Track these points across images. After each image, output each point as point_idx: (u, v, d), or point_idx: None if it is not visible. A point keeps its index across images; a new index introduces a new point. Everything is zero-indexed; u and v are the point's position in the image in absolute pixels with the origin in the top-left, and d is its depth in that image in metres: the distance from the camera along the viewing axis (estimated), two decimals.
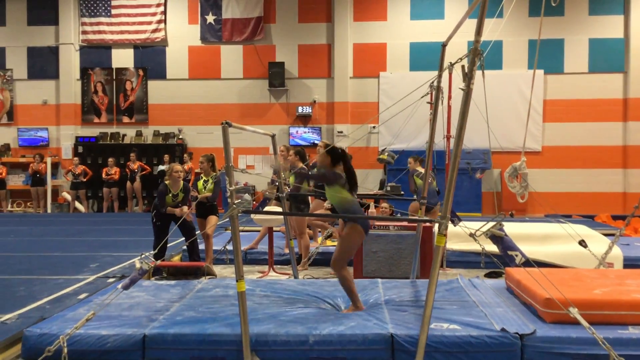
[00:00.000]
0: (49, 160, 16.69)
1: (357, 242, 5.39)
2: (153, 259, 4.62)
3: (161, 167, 16.07)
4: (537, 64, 12.86)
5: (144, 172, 16.37)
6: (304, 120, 16.87)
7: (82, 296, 6.01)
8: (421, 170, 9.65)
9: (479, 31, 3.92)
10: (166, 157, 16.22)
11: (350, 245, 5.33)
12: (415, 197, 9.57)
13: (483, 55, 3.96)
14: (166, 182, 7.86)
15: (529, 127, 15.46)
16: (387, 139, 15.69)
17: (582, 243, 6.33)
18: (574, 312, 4.11)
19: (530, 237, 8.46)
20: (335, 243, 8.97)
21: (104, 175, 16.26)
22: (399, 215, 9.77)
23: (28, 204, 17.17)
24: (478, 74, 4.03)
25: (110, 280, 6.91)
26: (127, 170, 16.29)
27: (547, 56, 15.68)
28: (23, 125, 17.48)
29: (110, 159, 16.39)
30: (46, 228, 12.72)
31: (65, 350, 4.02)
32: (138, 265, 4.32)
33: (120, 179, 16.35)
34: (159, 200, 7.76)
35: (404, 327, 4.57)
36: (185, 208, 7.75)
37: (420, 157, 9.81)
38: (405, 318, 4.85)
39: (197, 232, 7.94)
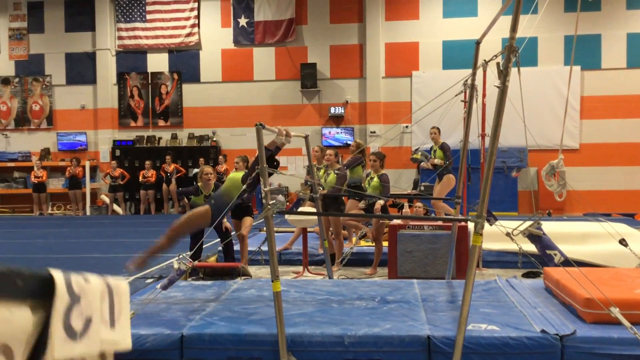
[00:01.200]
0: (87, 163, 17.05)
1: (199, 223, 5.87)
2: (190, 260, 4.68)
3: (196, 170, 16.26)
4: (574, 60, 12.62)
5: (179, 174, 16.61)
6: (337, 120, 16.88)
7: None
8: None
9: (514, 27, 3.87)
10: (201, 160, 16.42)
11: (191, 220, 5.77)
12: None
13: (518, 52, 3.91)
14: (198, 184, 7.99)
15: (566, 125, 15.19)
16: (420, 139, 15.59)
17: (623, 242, 6.19)
18: (615, 311, 4.02)
19: (569, 236, 8.30)
20: (369, 243, 8.96)
21: (140, 178, 16.53)
22: (433, 215, 9.71)
23: (67, 206, 17.56)
24: (513, 71, 3.98)
25: (149, 280, 7.02)
26: (163, 172, 16.54)
27: (583, 52, 15.37)
28: (62, 129, 17.90)
29: (147, 162, 16.67)
30: (85, 230, 13.00)
31: None
32: (176, 265, 4.39)
33: (156, 181, 16.61)
34: (180, 194, 8.02)
35: (440, 328, 4.53)
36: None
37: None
38: (442, 319, 4.81)
39: (232, 234, 8.02)
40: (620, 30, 15.71)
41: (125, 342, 1.75)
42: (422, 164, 10.44)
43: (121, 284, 1.84)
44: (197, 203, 7.96)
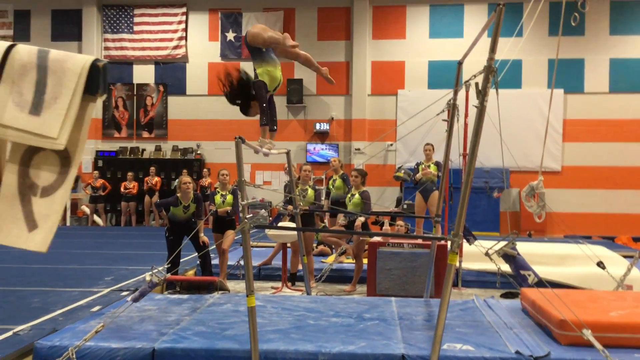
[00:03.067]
0: None
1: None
2: (164, 273, 4.62)
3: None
4: (557, 84, 12.77)
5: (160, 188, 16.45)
6: (322, 137, 16.90)
7: (95, 309, 6.03)
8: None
9: (493, 48, 3.90)
10: (184, 172, 16.27)
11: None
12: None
13: (497, 73, 3.93)
14: (177, 194, 7.95)
15: (548, 147, 15.33)
16: (404, 157, 15.64)
17: (600, 264, 6.22)
18: (588, 334, 4.02)
19: (548, 257, 8.35)
20: (350, 260, 8.93)
21: (122, 190, 16.38)
22: (414, 233, 9.70)
23: None
24: (494, 91, 4.01)
25: (124, 293, 6.93)
26: (146, 185, 16.36)
27: (567, 75, 15.55)
28: None
29: (129, 174, 16.53)
30: (64, 240, 12.82)
31: None
32: (148, 278, 4.33)
33: (138, 193, 16.47)
34: (158, 206, 8.06)
35: (415, 347, 4.51)
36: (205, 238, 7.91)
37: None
38: (418, 338, 4.79)
39: (211, 247, 7.96)
40: (603, 55, 15.93)
41: (52, 134, 1.26)
42: (415, 175, 10.00)
43: (69, 61, 1.30)
44: (176, 214, 7.90)
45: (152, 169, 16.46)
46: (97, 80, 1.81)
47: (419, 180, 9.88)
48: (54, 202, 1.37)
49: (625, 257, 8.65)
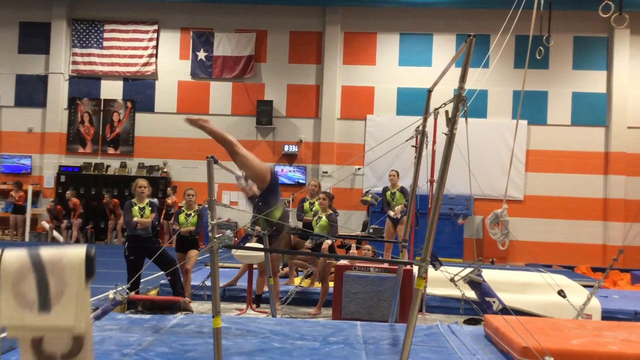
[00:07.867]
0: (30, 188, 16.50)
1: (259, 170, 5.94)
2: (127, 291, 4.54)
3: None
4: (521, 115, 13.07)
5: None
6: (290, 159, 16.93)
7: None
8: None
9: (463, 78, 3.98)
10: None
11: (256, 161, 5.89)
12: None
13: (467, 102, 4.02)
14: (134, 199, 7.88)
15: (512, 176, 15.61)
16: (371, 181, 15.75)
17: (561, 293, 6.34)
18: None
19: (510, 284, 8.46)
20: (317, 285, 8.90)
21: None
22: (380, 257, 9.74)
23: (5, 231, 16.90)
24: (462, 120, 4.08)
25: None
26: (109, 203, 16.08)
27: (531, 107, 15.96)
28: (6, 152, 17.34)
29: (67, 192, 16.04)
30: None
31: None
32: (111, 296, 4.24)
33: (100, 211, 16.20)
34: (125, 215, 7.80)
35: None
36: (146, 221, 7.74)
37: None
38: None
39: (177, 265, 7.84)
40: (566, 89, 16.42)
41: (69, 324, 1.41)
42: (391, 214, 10.12)
43: (67, 255, 1.44)
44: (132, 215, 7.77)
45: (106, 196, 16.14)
46: (90, 267, 1.93)
47: (393, 217, 9.99)
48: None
49: (584, 286, 8.83)
